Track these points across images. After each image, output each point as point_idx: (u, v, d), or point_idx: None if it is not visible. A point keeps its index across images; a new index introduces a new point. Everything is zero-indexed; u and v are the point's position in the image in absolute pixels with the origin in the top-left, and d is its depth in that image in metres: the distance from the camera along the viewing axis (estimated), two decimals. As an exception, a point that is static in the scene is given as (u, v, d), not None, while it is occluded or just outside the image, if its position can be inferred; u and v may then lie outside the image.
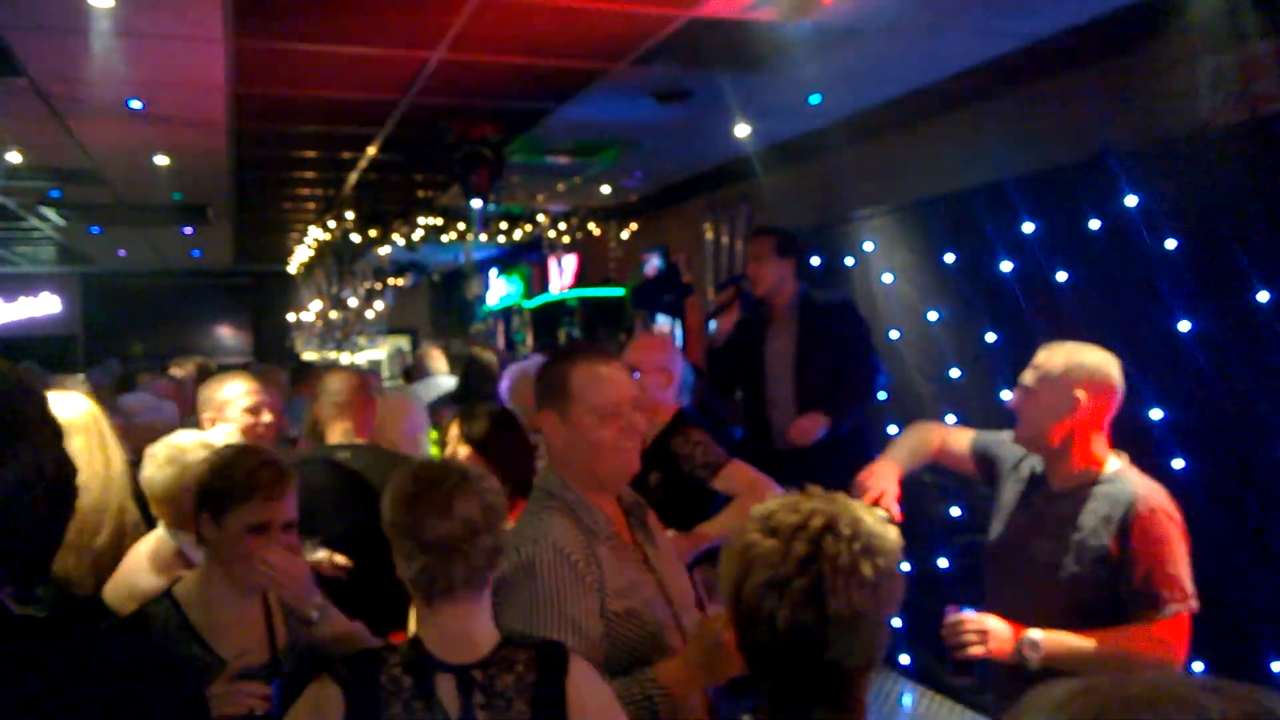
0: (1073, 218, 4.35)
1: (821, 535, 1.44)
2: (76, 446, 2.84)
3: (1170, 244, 3.85)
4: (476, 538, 1.78)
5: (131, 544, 2.77)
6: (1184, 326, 3.79)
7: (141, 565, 2.66)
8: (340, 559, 3.10)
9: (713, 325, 4.87)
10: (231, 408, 3.51)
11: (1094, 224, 4.20)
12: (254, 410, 3.53)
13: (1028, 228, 4.54)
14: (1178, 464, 3.74)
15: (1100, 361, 2.67)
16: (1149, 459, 3.83)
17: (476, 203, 6.84)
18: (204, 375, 6.73)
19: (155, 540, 2.72)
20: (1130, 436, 3.91)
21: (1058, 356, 2.68)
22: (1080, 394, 2.61)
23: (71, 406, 2.83)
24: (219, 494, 2.25)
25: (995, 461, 2.92)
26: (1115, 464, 2.66)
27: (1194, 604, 2.46)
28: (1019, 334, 4.55)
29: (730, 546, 1.52)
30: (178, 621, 2.23)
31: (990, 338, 4.66)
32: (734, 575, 1.49)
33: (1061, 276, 4.35)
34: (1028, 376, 2.71)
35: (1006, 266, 4.65)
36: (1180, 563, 2.47)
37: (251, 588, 2.29)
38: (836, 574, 1.41)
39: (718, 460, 3.32)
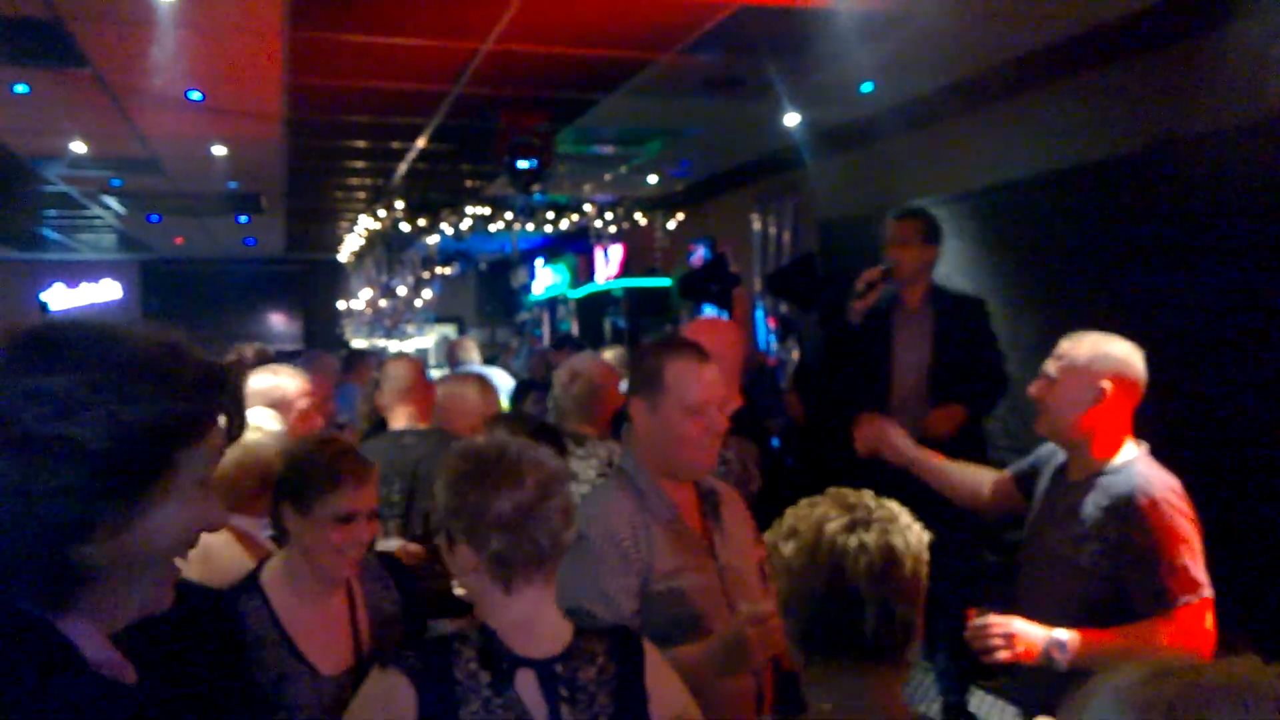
0: (1135, 207, 4.28)
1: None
2: None
3: (1236, 233, 3.78)
4: (549, 500, 1.73)
5: None
6: (1249, 317, 3.72)
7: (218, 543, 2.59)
8: (414, 547, 3.09)
9: (855, 306, 4.48)
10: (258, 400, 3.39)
11: (1158, 213, 4.14)
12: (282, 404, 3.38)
13: (1087, 217, 4.48)
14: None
15: (1126, 352, 2.60)
16: (1243, 447, 3.75)
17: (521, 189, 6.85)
18: (262, 361, 6.86)
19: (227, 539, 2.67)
20: (1197, 419, 3.88)
21: (1083, 346, 2.61)
22: (1106, 385, 2.55)
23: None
24: (303, 484, 2.19)
25: (1037, 469, 2.86)
26: (1128, 454, 2.58)
27: (1207, 594, 2.38)
28: (1078, 325, 4.49)
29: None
30: (269, 619, 2.17)
31: (1048, 328, 4.59)
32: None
33: (1122, 266, 4.28)
34: (1051, 366, 2.65)
35: (1065, 256, 4.59)
36: (1186, 554, 2.39)
37: (336, 580, 2.24)
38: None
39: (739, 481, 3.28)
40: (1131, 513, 2.43)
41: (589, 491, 2.35)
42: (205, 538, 2.54)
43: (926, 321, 4.37)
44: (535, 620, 1.74)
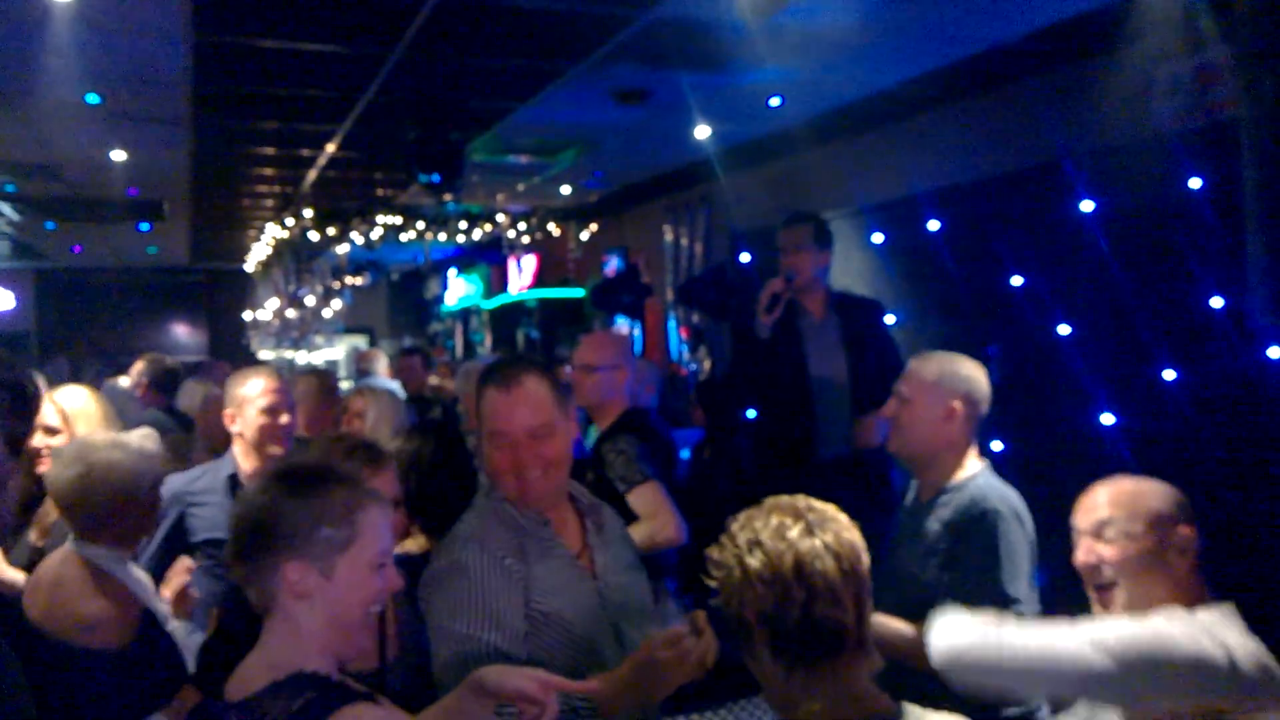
0: (1029, 222, 4.44)
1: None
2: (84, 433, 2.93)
3: (1125, 248, 3.95)
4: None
5: None
6: (1138, 330, 3.88)
7: (73, 590, 2.40)
8: None
9: (764, 319, 4.32)
10: (250, 406, 3.36)
11: (1050, 229, 4.30)
12: (272, 410, 3.37)
13: (984, 231, 4.64)
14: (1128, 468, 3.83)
15: (972, 372, 2.69)
16: (1101, 463, 3.94)
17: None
18: (157, 372, 6.70)
19: (64, 558, 2.47)
20: (1082, 441, 4.05)
21: (931, 366, 2.70)
22: (956, 404, 2.63)
23: (76, 398, 3.09)
24: None
25: None
26: (971, 470, 2.65)
27: (1025, 610, 2.42)
28: (975, 337, 4.64)
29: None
30: None
31: (945, 340, 4.73)
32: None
33: (1017, 280, 4.44)
34: (903, 386, 2.72)
35: (962, 270, 4.74)
36: (1008, 568, 2.46)
37: None
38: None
39: (635, 476, 3.30)
40: (965, 526, 2.52)
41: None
42: (59, 569, 2.39)
43: (833, 330, 4.30)
44: (252, 654, 1.68)
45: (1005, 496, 2.58)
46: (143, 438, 2.68)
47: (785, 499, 1.69)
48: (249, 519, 1.68)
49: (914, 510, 2.73)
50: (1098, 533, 2.07)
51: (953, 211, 4.82)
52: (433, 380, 7.57)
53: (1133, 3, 4.32)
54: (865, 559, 1.64)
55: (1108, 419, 3.95)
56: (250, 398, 3.35)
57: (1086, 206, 4.08)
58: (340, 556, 1.67)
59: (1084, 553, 2.09)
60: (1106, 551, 2.04)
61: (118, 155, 7.46)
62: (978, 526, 2.50)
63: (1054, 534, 3.71)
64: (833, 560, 1.59)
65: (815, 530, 1.61)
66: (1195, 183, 3.70)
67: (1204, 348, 3.61)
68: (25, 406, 1.20)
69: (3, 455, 1.41)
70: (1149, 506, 2.06)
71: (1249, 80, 2.95)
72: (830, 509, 1.68)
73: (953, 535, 2.54)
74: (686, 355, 8.86)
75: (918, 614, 2.35)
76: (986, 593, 2.40)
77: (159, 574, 2.83)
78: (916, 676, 2.08)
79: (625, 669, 1.94)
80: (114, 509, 2.46)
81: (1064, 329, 4.20)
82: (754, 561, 1.60)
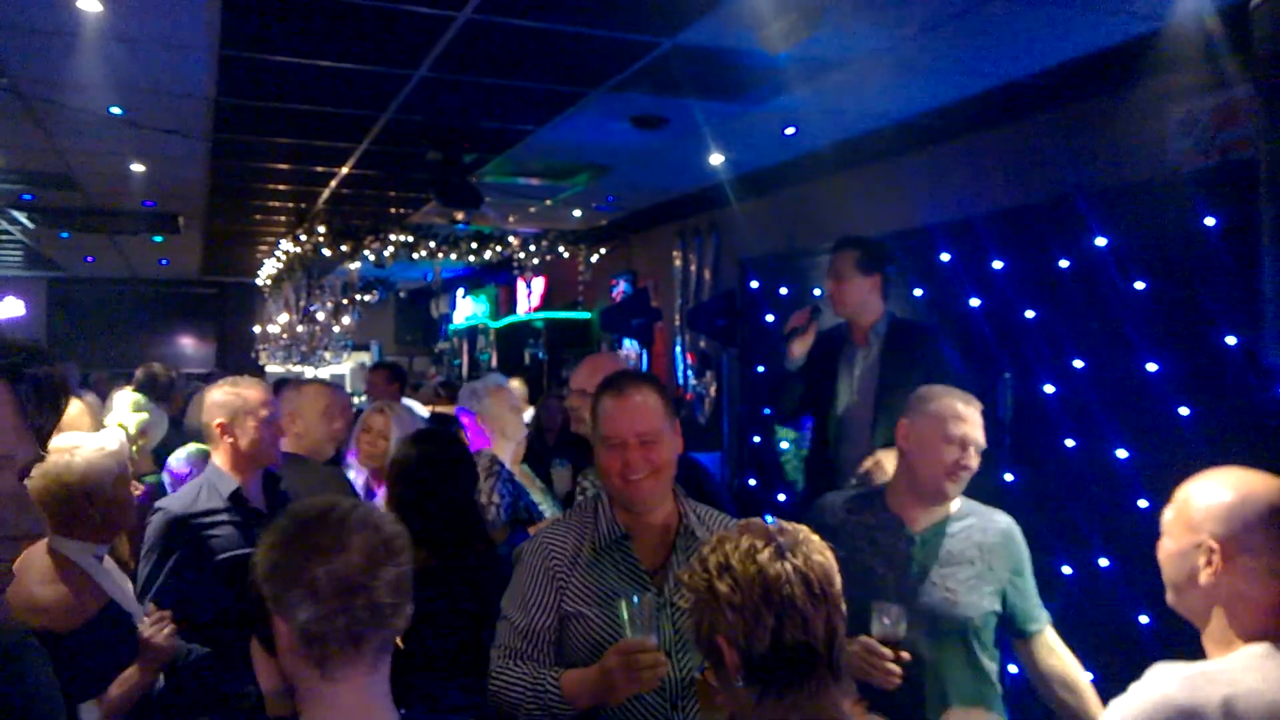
0: (1041, 257, 4.46)
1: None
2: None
3: (1139, 285, 3.96)
4: (379, 570, 1.50)
5: None
6: (1151, 367, 3.89)
7: (34, 576, 2.51)
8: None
9: (791, 350, 4.32)
10: (250, 417, 3.26)
11: (1063, 264, 4.32)
12: (269, 423, 3.29)
13: (996, 265, 4.65)
14: (1143, 504, 3.83)
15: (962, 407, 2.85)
16: (1115, 497, 3.95)
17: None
18: (144, 380, 6.70)
19: (37, 548, 2.56)
20: (1098, 475, 4.05)
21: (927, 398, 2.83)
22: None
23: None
24: None
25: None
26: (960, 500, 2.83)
27: None
28: (987, 370, 4.65)
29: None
30: None
31: (957, 373, 4.74)
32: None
33: (1029, 314, 4.45)
34: (906, 420, 2.87)
35: (975, 303, 4.75)
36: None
37: None
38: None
39: None
40: (1001, 543, 2.74)
41: None
42: (28, 557, 2.48)
43: (874, 353, 4.16)
44: (357, 717, 1.51)
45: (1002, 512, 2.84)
46: (103, 437, 2.80)
47: (758, 521, 1.68)
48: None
49: (922, 542, 2.74)
50: (1164, 529, 1.97)
51: (964, 244, 4.84)
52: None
53: (1150, 41, 4.36)
54: (838, 581, 1.63)
55: (1122, 453, 3.95)
56: (251, 408, 3.24)
57: (1099, 242, 4.10)
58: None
59: (1160, 547, 1.97)
60: (1167, 545, 1.94)
61: (136, 167, 7.52)
62: (1014, 540, 2.77)
63: (1066, 563, 3.71)
64: (802, 584, 1.57)
65: (785, 553, 1.59)
66: (1210, 221, 3.72)
67: (1218, 385, 3.62)
68: (55, 401, 1.21)
69: (31, 447, 1.42)
70: (1189, 506, 1.90)
71: (1266, 120, 2.97)
72: (803, 530, 1.66)
73: (993, 555, 2.72)
74: (693, 380, 8.87)
75: (966, 637, 2.65)
76: (1036, 595, 2.75)
77: (182, 594, 2.85)
78: None
79: (593, 669, 2.14)
80: (76, 506, 2.57)
81: (1078, 363, 4.21)
82: (723, 586, 1.59)
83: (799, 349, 4.25)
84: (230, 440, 3.19)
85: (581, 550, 2.35)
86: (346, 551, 1.49)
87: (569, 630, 2.31)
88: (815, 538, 1.65)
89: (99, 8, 4.23)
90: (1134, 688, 1.80)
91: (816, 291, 6.10)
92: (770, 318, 6.36)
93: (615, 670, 2.06)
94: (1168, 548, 1.92)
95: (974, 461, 2.69)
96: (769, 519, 1.69)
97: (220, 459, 3.21)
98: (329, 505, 1.56)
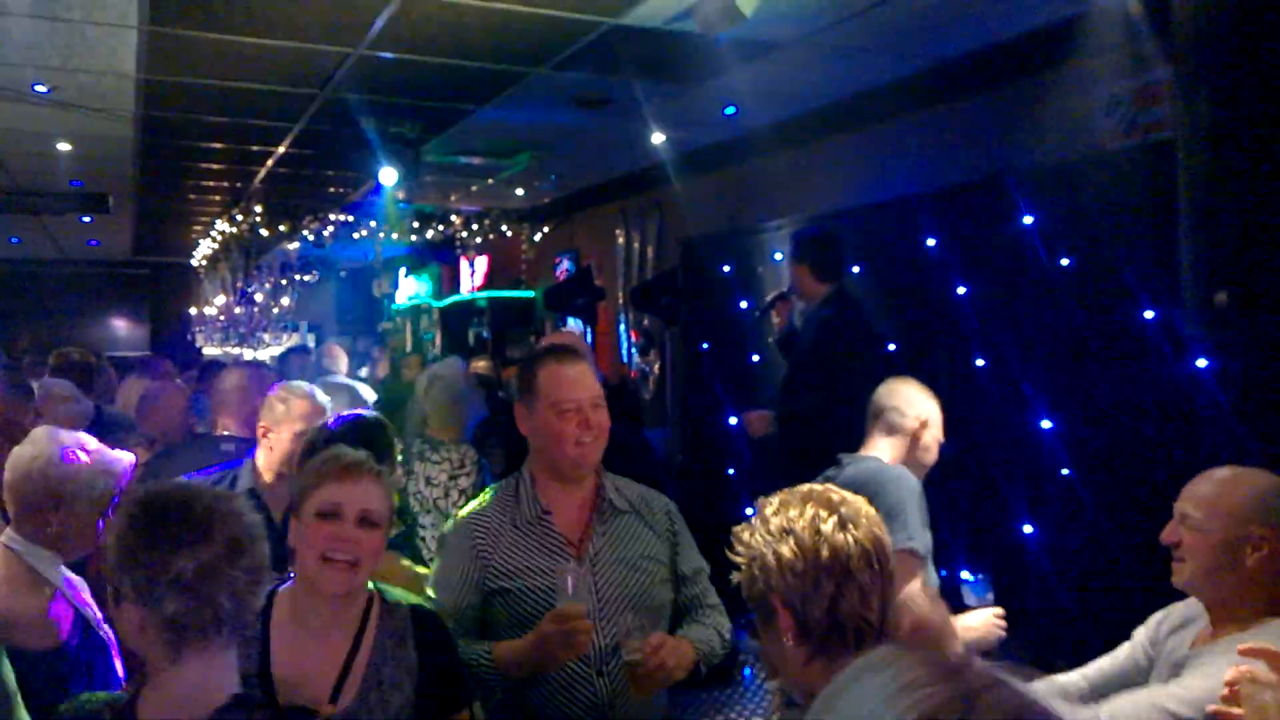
0: (971, 235, 4.57)
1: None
2: None
3: (1064, 262, 4.08)
4: (238, 560, 1.53)
5: None
6: (1075, 340, 4.01)
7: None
8: None
9: (772, 322, 5.08)
10: (286, 428, 3.16)
11: (992, 241, 4.43)
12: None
13: (929, 243, 4.75)
14: (1065, 472, 3.96)
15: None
16: (1039, 467, 4.08)
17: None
18: (62, 365, 6.49)
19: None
20: (1022, 446, 4.18)
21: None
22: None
23: None
24: (297, 488, 2.10)
25: None
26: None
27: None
28: (919, 345, 4.76)
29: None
30: (258, 649, 2.03)
31: (892, 346, 4.84)
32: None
33: (960, 291, 4.56)
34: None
35: (908, 280, 4.86)
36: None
37: (329, 600, 2.05)
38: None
39: None
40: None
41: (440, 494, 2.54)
42: None
43: (792, 336, 4.80)
44: (196, 692, 1.53)
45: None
46: (119, 455, 2.60)
47: (819, 488, 1.69)
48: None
49: None
50: (1182, 518, 2.17)
51: (899, 222, 4.93)
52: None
53: (1076, 22, 4.46)
54: (893, 557, 1.65)
55: (1045, 424, 4.07)
56: (290, 418, 3.16)
57: (1027, 220, 4.21)
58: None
59: (1168, 531, 2.20)
60: (1186, 537, 2.15)
61: (63, 146, 7.34)
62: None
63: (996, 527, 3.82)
64: (862, 557, 1.59)
65: (848, 525, 1.61)
66: (1131, 200, 3.84)
67: (1137, 358, 3.74)
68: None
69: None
70: (1230, 502, 2.12)
71: (1186, 102, 3.07)
72: (863, 503, 1.68)
73: None
74: (637, 358, 8.92)
75: None
76: None
77: None
78: None
79: (527, 639, 2.19)
80: (45, 507, 2.40)
81: (1004, 337, 4.33)
82: (786, 550, 1.60)
83: (778, 324, 4.84)
84: (269, 445, 3.14)
85: (504, 528, 2.40)
86: (211, 543, 1.51)
87: (494, 606, 2.35)
88: (873, 511, 1.67)
89: (22, -17, 4.13)
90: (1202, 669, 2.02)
91: (759, 269, 6.18)
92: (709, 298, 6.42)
93: (552, 635, 2.11)
94: (1207, 537, 2.12)
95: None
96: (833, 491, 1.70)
97: (262, 458, 3.16)
98: (190, 495, 1.57)
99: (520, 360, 2.58)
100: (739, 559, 1.67)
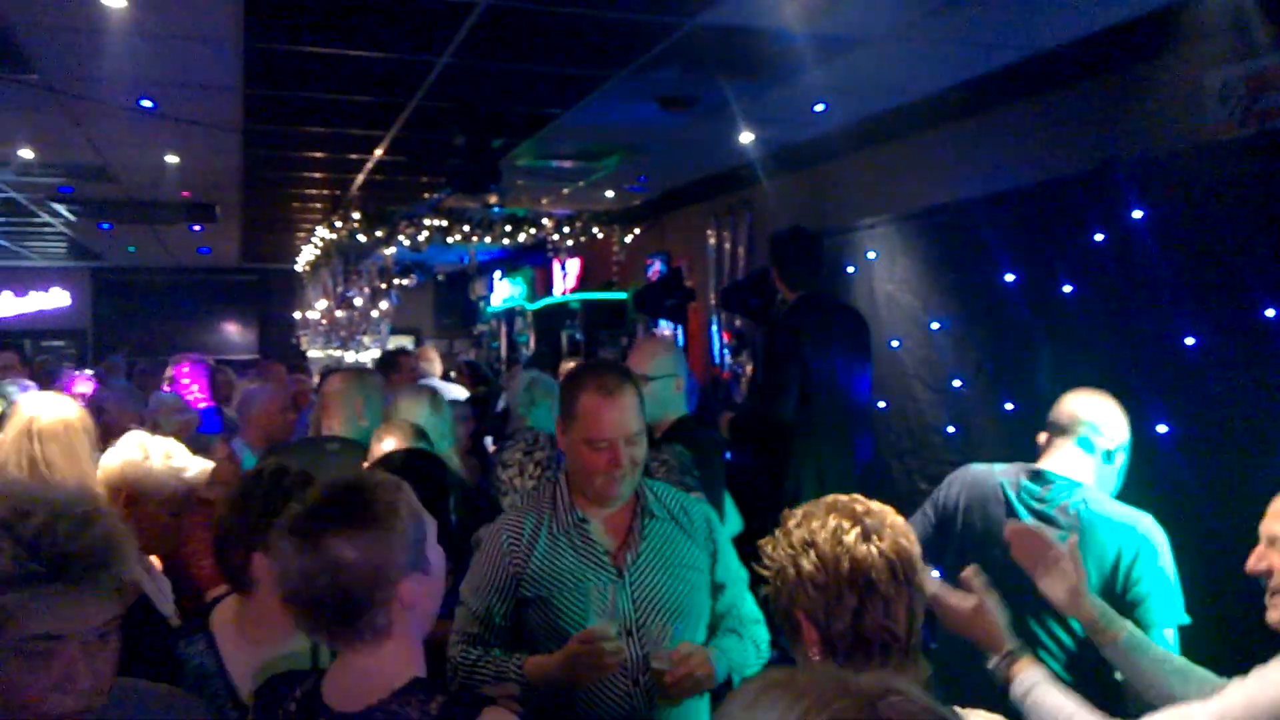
0: (1076, 230, 4.37)
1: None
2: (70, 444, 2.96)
3: (1175, 257, 3.86)
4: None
5: None
6: (1189, 341, 3.80)
7: None
8: None
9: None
10: None
11: (1098, 236, 4.22)
12: None
13: (1030, 239, 4.57)
14: (1179, 479, 3.76)
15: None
16: (1154, 473, 3.88)
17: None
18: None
19: None
20: (1136, 451, 3.98)
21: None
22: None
23: (60, 408, 3.02)
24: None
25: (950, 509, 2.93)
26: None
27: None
28: (1022, 346, 4.58)
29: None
30: (214, 661, 2.05)
31: (993, 349, 4.67)
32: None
33: (1065, 289, 4.36)
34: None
35: (1009, 278, 4.67)
36: None
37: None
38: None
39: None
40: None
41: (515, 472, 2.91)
42: None
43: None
44: (348, 672, 1.61)
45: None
46: (189, 463, 2.74)
47: (843, 499, 1.66)
48: (360, 572, 1.56)
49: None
50: (1271, 540, 1.98)
51: (998, 219, 4.75)
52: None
53: (1183, 9, 4.24)
54: (920, 567, 1.61)
55: (1161, 429, 3.87)
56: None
57: (1136, 214, 4.00)
58: (428, 546, 1.67)
59: (1254, 558, 2.01)
60: (1277, 560, 1.96)
61: (170, 159, 7.60)
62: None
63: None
64: (887, 568, 1.56)
65: (871, 536, 1.58)
66: (1248, 191, 3.62)
67: (1257, 359, 3.53)
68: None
69: None
70: None
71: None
72: (889, 513, 1.64)
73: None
74: (729, 359, 8.84)
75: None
76: None
77: None
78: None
79: (557, 655, 2.15)
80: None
81: (1114, 338, 4.13)
82: (807, 564, 1.58)
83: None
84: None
85: (539, 534, 2.35)
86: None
87: (528, 615, 2.32)
88: (900, 521, 1.64)
89: (123, 3, 4.26)
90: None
91: (851, 269, 6.05)
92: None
93: (580, 657, 2.09)
94: None
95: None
96: (859, 500, 1.67)
97: None
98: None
99: (565, 376, 2.52)
100: (765, 572, 1.65)
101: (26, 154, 7.37)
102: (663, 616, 2.29)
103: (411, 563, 1.61)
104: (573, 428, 2.33)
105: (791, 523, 1.65)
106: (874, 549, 1.56)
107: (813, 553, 1.58)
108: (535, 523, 2.37)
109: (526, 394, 4.74)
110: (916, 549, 1.62)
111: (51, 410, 3.03)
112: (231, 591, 2.15)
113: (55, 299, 16.39)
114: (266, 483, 2.10)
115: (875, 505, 1.65)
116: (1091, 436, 2.76)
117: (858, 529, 1.58)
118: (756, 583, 1.70)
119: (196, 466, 2.68)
